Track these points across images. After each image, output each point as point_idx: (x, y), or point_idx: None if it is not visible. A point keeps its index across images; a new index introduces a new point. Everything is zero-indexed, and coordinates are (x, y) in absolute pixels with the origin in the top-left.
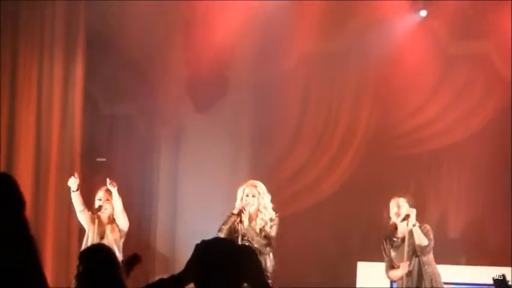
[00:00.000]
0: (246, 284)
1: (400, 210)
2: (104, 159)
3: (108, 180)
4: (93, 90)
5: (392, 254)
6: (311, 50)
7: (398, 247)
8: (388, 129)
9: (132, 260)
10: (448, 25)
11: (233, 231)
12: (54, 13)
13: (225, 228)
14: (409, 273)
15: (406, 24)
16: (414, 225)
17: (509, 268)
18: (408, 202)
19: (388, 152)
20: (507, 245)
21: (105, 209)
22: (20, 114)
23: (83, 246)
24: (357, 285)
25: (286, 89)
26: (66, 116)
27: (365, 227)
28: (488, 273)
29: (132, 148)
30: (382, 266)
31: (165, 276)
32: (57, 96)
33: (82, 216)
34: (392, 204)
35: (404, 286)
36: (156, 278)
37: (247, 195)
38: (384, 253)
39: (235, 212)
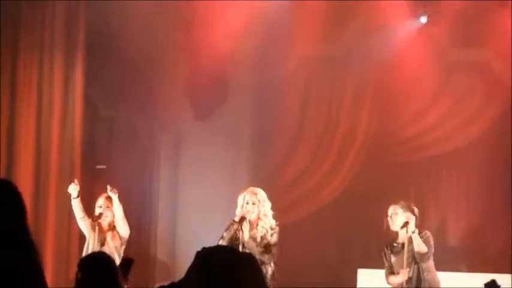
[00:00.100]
0: None
1: (394, 217)
2: (104, 167)
3: (108, 187)
4: (93, 94)
5: (393, 259)
6: (311, 54)
7: (398, 253)
8: (388, 135)
9: (127, 264)
10: (449, 31)
11: (234, 239)
12: (54, 16)
13: (227, 236)
14: (408, 280)
15: (406, 30)
16: (413, 232)
17: (509, 275)
18: (403, 208)
19: (388, 158)
20: (507, 252)
21: (106, 216)
22: (20, 117)
23: (84, 253)
24: None
25: (286, 93)
26: (66, 120)
27: (365, 233)
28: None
29: (132, 154)
30: (382, 273)
31: (166, 283)
32: (57, 99)
33: (82, 223)
34: (389, 211)
35: None
36: (157, 285)
37: (248, 203)
38: (384, 258)
39: (237, 219)
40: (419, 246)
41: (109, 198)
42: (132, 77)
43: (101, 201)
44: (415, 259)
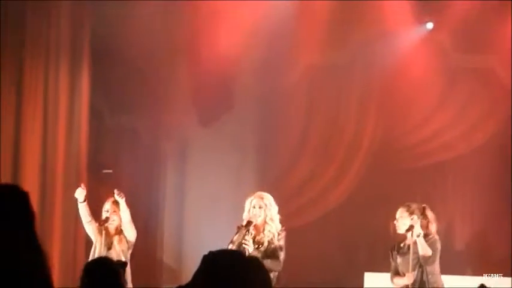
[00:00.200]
0: None
1: (400, 221)
2: (110, 171)
3: (115, 191)
4: (99, 100)
5: (399, 260)
6: (316, 62)
7: (404, 254)
8: (393, 142)
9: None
10: (453, 38)
11: (242, 243)
12: (59, 21)
13: (237, 240)
14: (412, 282)
15: (411, 37)
16: (418, 236)
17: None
18: (411, 211)
19: (393, 164)
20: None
21: (113, 220)
22: (26, 124)
23: (90, 258)
24: None
25: (291, 99)
26: (72, 125)
27: (371, 238)
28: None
29: (138, 159)
30: (389, 276)
31: (172, 287)
32: (63, 105)
33: (89, 227)
34: (397, 214)
35: None
36: None
37: (254, 207)
38: (391, 258)
39: (244, 223)
40: (423, 249)
41: (116, 203)
42: (138, 83)
43: (107, 205)
44: (421, 262)
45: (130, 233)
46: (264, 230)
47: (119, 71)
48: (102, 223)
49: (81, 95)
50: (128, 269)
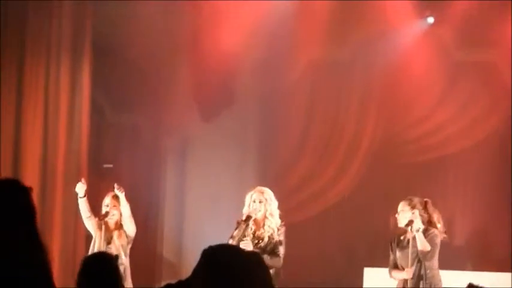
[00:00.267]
0: None
1: (401, 215)
2: (110, 166)
3: (115, 185)
4: (100, 96)
5: (398, 253)
6: (317, 58)
7: (404, 248)
8: (394, 137)
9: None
10: (455, 33)
11: (242, 238)
12: (61, 19)
13: (237, 236)
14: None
15: (412, 32)
16: (417, 231)
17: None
18: (412, 206)
19: (394, 159)
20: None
21: (113, 215)
22: (27, 118)
23: (90, 252)
24: None
25: (292, 96)
26: (73, 122)
27: (371, 234)
28: (493, 279)
29: (138, 155)
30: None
31: (173, 281)
32: (63, 102)
33: (89, 222)
34: (398, 208)
35: (402, 287)
36: (163, 283)
37: (254, 201)
38: (390, 250)
39: (244, 218)
40: (422, 245)
41: (116, 197)
42: (139, 81)
43: (107, 200)
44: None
45: (130, 228)
46: (263, 225)
47: (119, 69)
48: (102, 217)
49: (82, 92)
50: (128, 264)
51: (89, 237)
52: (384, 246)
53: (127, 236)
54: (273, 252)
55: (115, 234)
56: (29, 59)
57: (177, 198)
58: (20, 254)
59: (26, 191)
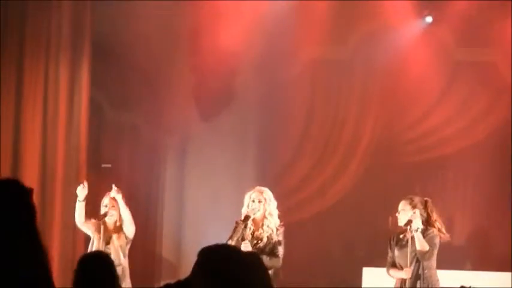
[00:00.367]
0: None
1: (402, 213)
2: (109, 165)
3: (114, 187)
4: (99, 95)
5: (396, 252)
6: (317, 57)
7: (403, 247)
8: (393, 136)
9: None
10: (454, 32)
11: (242, 239)
12: (60, 18)
13: (236, 236)
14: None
15: (411, 31)
16: (416, 231)
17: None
18: (412, 205)
19: (393, 158)
20: (509, 251)
21: (111, 215)
22: (26, 117)
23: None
24: None
25: (292, 95)
26: (72, 121)
27: (371, 233)
28: (493, 279)
29: (138, 154)
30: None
31: (172, 281)
32: (63, 100)
33: (83, 227)
34: (399, 207)
35: (399, 287)
36: (162, 283)
37: (254, 201)
38: (389, 248)
39: (242, 218)
40: (421, 245)
41: (114, 198)
42: (138, 79)
43: (106, 200)
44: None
45: (130, 229)
46: (262, 225)
47: (119, 68)
48: (100, 218)
49: (81, 91)
50: (127, 265)
51: (88, 238)
52: (383, 246)
53: (126, 237)
54: (272, 253)
55: (114, 234)
56: (28, 58)
57: (176, 198)
58: (20, 254)
59: (26, 192)
